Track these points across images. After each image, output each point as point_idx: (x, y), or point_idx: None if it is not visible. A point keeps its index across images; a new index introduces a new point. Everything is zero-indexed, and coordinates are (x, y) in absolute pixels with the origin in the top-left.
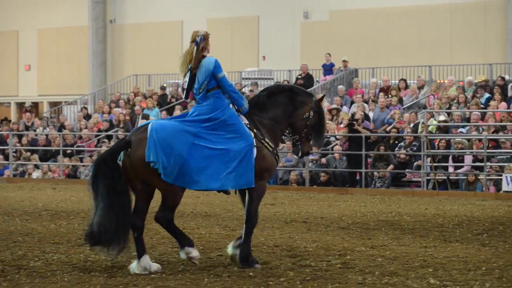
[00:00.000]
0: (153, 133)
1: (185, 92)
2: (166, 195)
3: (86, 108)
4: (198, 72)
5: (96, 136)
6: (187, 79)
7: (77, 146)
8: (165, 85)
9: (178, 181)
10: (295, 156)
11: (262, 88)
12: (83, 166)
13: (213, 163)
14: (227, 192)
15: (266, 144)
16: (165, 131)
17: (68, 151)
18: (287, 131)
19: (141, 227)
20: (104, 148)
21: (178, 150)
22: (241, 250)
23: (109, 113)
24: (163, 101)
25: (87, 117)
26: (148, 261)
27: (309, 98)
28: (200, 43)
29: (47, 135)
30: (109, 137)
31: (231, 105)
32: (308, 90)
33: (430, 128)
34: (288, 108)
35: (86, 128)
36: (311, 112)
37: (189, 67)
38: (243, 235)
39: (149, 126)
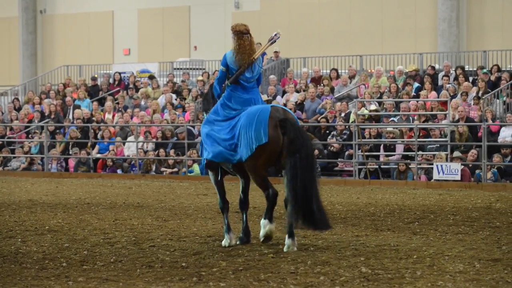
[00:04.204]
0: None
1: (230, 79)
2: None
3: (18, 99)
4: (255, 64)
5: (27, 127)
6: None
7: (8, 138)
8: (96, 75)
9: None
10: None
11: (194, 79)
12: (14, 157)
13: None
14: None
15: None
16: None
17: None
18: None
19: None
20: (36, 139)
21: None
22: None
23: (40, 104)
24: (94, 92)
25: (18, 108)
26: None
27: None
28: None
29: None
30: (40, 129)
31: None
32: None
33: (363, 115)
34: None
35: (17, 119)
36: None
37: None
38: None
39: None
